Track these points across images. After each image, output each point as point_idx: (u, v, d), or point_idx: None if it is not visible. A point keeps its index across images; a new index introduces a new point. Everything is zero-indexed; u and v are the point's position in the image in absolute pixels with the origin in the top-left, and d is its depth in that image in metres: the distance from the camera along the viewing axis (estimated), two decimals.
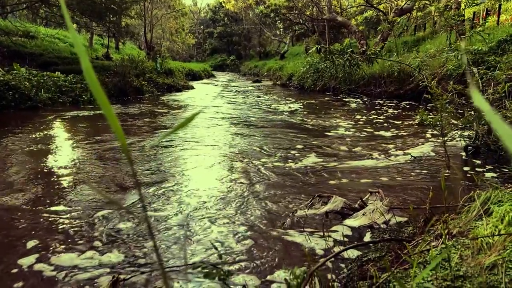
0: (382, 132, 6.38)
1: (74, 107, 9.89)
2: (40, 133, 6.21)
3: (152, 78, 15.57)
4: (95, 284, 1.94)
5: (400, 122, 7.47)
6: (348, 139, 5.86)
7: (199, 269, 1.32)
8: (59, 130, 6.65)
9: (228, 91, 15.78)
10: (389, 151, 4.99)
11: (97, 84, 0.39)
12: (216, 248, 2.27)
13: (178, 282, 1.93)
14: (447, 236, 1.46)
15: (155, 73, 16.60)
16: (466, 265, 1.23)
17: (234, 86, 19.24)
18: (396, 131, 6.44)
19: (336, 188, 3.58)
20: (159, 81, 15.86)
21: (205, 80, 24.71)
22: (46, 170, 4.07)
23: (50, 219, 2.79)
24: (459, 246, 1.34)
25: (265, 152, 4.93)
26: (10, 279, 1.98)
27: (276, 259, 2.23)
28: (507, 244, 1.22)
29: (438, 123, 3.77)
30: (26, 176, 3.85)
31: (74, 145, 5.37)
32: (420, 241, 1.71)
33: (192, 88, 17.76)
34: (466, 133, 5.60)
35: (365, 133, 6.30)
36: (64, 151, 4.99)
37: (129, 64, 14.04)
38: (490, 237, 1.28)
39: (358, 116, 8.30)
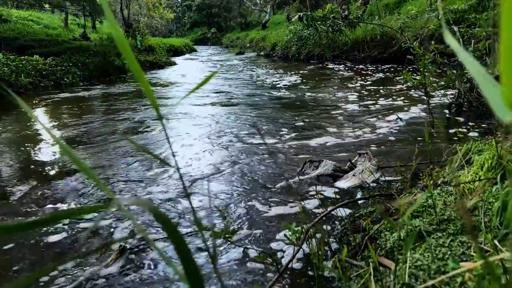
0: (369, 97, 6.47)
1: (57, 90, 9.72)
2: (26, 119, 6.14)
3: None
4: (104, 254, 2.02)
5: (386, 85, 7.57)
6: (338, 106, 5.94)
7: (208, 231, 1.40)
8: (44, 115, 6.58)
9: (212, 66, 15.61)
10: (377, 115, 5.09)
11: (129, 50, 0.44)
12: (220, 211, 2.36)
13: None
14: (433, 186, 1.56)
15: (136, 50, 16.28)
16: (450, 210, 1.34)
17: (218, 60, 19.01)
18: (383, 95, 6.54)
19: (327, 153, 3.68)
20: (141, 59, 15.58)
21: (187, 55, 24.31)
22: (37, 153, 4.08)
23: (47, 205, 2.84)
24: (443, 193, 1.45)
25: (252, 126, 4.98)
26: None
27: (273, 219, 2.34)
28: (486, 188, 1.32)
29: (421, 83, 3.86)
30: (17, 164, 3.86)
31: (63, 128, 5.34)
32: (408, 194, 1.82)
33: (175, 64, 17.50)
34: (449, 92, 5.73)
35: (354, 99, 6.39)
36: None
37: (109, 43, 13.73)
38: (471, 183, 1.39)
39: (345, 83, 8.36)
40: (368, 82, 8.13)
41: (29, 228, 0.40)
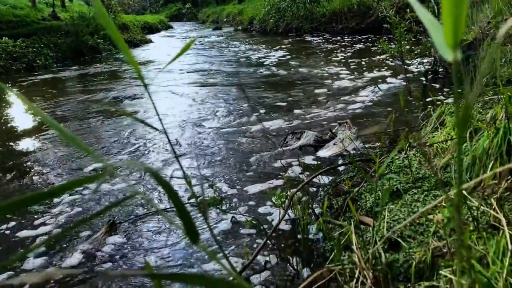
0: (348, 68, 6.53)
1: (29, 73, 9.43)
2: (4, 103, 5.98)
3: (107, 34, 14.83)
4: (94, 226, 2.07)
5: (364, 56, 7.63)
6: (319, 78, 5.99)
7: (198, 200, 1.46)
8: (29, 97, 6.41)
9: (186, 42, 15.29)
10: (356, 85, 5.17)
11: (112, 23, 0.47)
12: (208, 181, 2.42)
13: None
14: (408, 148, 1.65)
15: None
16: (424, 168, 1.42)
17: (195, 36, 18.64)
18: (361, 66, 6.61)
19: (308, 124, 3.75)
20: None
21: (163, 33, 23.72)
22: (16, 135, 4.02)
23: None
24: (418, 154, 1.53)
25: (234, 104, 5.00)
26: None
27: (260, 187, 2.41)
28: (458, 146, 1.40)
29: (398, 52, 3.93)
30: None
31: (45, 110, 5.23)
32: (386, 157, 1.91)
33: (151, 41, 17.09)
34: (425, 60, 5.83)
35: (334, 71, 6.44)
36: (29, 118, 4.88)
37: (81, 22, 13.27)
38: (444, 143, 1.47)
39: (325, 56, 8.38)
40: (347, 54, 8.17)
41: (33, 203, 0.42)
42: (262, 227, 1.77)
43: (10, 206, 0.39)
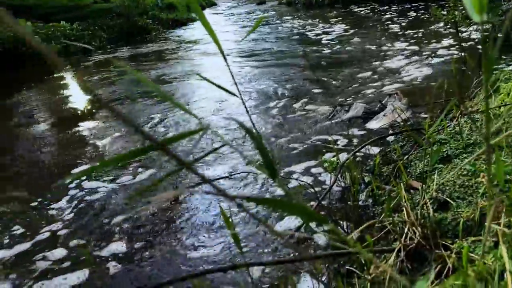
0: (399, 38, 6.33)
1: (86, 54, 9.98)
2: (64, 85, 6.45)
3: (155, 15, 15.22)
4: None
5: (416, 25, 7.33)
6: (369, 50, 5.88)
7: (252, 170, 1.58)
8: (86, 77, 6.86)
9: (236, 19, 15.36)
10: (407, 55, 5.03)
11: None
12: (266, 150, 2.55)
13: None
14: (460, 115, 1.66)
15: (157, 9, 16.17)
16: (475, 134, 1.45)
17: (240, 12, 18.60)
18: (413, 35, 6.38)
19: (357, 96, 3.75)
20: (163, 17, 15.50)
21: (207, 10, 23.86)
22: (79, 113, 4.37)
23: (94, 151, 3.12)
24: (470, 121, 1.55)
25: (281, 76, 5.06)
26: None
27: (310, 156, 2.52)
28: (511, 112, 1.41)
29: (452, 19, 3.77)
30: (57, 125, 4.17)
31: (99, 88, 5.60)
32: (437, 126, 1.93)
33: (196, 20, 17.25)
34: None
35: (384, 42, 6.27)
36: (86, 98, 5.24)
37: (130, 3, 13.69)
38: (497, 109, 1.48)
39: (373, 27, 8.13)
40: (397, 25, 7.87)
41: (144, 153, 0.55)
42: (314, 191, 1.88)
43: (128, 156, 0.51)
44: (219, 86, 0.73)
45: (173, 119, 3.76)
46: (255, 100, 4.10)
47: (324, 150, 2.63)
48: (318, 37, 7.63)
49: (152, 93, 4.89)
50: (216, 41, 0.65)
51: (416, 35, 6.34)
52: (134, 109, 4.35)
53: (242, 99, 0.72)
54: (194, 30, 13.27)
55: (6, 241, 2.06)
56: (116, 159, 0.38)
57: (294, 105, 3.71)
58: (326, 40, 7.16)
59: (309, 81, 4.52)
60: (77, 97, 5.41)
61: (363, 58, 5.28)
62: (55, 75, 7.50)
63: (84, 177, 2.63)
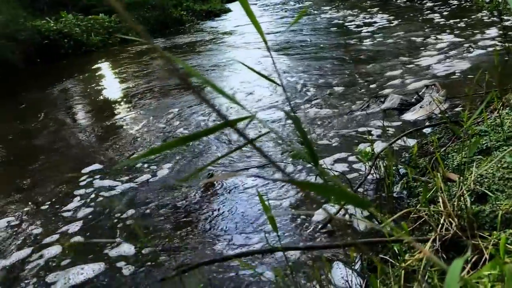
0: (438, 28, 6.13)
1: (123, 45, 10.27)
2: (103, 75, 6.70)
3: (189, 6, 15.40)
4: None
5: (456, 14, 7.05)
6: (406, 41, 5.74)
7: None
8: (118, 69, 7.09)
9: (271, 10, 15.28)
10: (447, 45, 4.88)
11: None
12: (309, 139, 2.58)
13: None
14: (502, 107, 1.62)
15: (191, 0, 16.35)
16: None
17: (274, 2, 18.45)
18: (454, 24, 6.15)
19: (394, 87, 3.69)
20: (196, 9, 15.66)
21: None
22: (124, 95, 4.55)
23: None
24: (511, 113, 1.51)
25: (320, 69, 5.03)
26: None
27: (344, 147, 2.53)
28: None
29: (495, 7, 3.61)
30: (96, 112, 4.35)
31: (137, 78, 5.78)
32: (476, 118, 1.88)
33: (230, 11, 17.36)
34: None
35: (423, 32, 6.09)
36: (124, 87, 5.43)
37: None
38: None
39: (411, 17, 7.90)
40: (437, 13, 7.60)
41: (193, 139, 0.59)
42: (348, 181, 1.89)
43: (197, 135, 0.56)
44: (262, 75, 0.77)
45: (203, 110, 3.84)
46: (289, 91, 4.11)
47: (358, 141, 2.63)
48: (359, 28, 7.36)
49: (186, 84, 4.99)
50: (260, 32, 0.68)
51: (458, 25, 6.11)
52: (169, 97, 4.47)
53: (284, 89, 0.76)
54: (227, 22, 13.33)
55: (36, 224, 2.21)
56: (182, 139, 0.42)
57: (328, 97, 3.70)
58: (367, 31, 6.91)
59: (346, 73, 4.48)
60: (112, 87, 5.62)
61: (403, 49, 5.15)
62: (92, 67, 7.79)
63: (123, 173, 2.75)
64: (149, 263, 1.70)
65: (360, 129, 2.82)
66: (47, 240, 2.02)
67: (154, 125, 3.63)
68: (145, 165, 2.74)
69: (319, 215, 1.81)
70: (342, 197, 0.53)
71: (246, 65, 0.83)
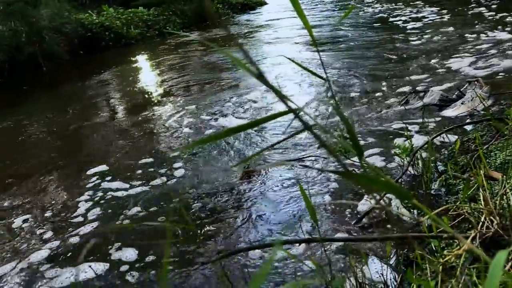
0: (481, 23, 5.88)
1: (161, 38, 10.50)
2: (140, 67, 6.91)
3: None
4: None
5: (505, 9, 6.73)
6: (455, 34, 5.56)
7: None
8: (156, 61, 7.27)
9: (307, 3, 15.11)
10: (493, 41, 4.68)
11: None
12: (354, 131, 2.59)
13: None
14: None
15: None
16: None
17: None
18: (501, 20, 5.89)
19: (434, 83, 3.60)
20: (232, 1, 15.73)
21: None
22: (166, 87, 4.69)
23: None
24: None
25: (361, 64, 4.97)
26: None
27: (382, 142, 2.51)
28: None
29: None
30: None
31: (171, 73, 5.92)
32: None
33: (265, 3, 17.30)
34: None
35: (476, 27, 5.87)
36: (160, 79, 5.57)
37: None
38: None
39: (459, 7, 7.60)
40: (487, 7, 7.27)
41: (239, 131, 0.63)
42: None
43: (256, 122, 0.59)
44: (309, 70, 0.79)
45: (238, 102, 3.90)
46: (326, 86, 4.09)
47: (394, 137, 2.59)
48: (405, 24, 6.93)
49: (220, 78, 5.08)
50: (308, 27, 0.71)
51: (507, 19, 5.83)
52: (204, 92, 4.57)
53: (329, 83, 0.78)
54: (262, 15, 13.33)
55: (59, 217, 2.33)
56: (248, 125, 0.46)
57: (366, 92, 3.65)
58: (413, 27, 6.53)
59: (387, 71, 4.39)
60: (148, 79, 5.79)
61: (449, 46, 4.95)
62: (130, 58, 8.03)
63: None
64: (192, 247, 1.77)
65: (398, 125, 2.78)
66: (111, 221, 2.15)
67: (193, 117, 3.73)
68: (183, 158, 2.83)
69: (363, 206, 1.82)
70: (385, 188, 0.55)
71: (291, 60, 0.85)
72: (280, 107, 3.60)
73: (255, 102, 3.84)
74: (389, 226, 1.76)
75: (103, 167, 2.85)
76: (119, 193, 2.44)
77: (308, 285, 1.14)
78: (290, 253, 1.34)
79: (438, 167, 2.10)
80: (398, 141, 2.40)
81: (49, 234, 2.11)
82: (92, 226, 2.12)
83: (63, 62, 7.95)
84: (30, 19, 7.61)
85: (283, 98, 0.44)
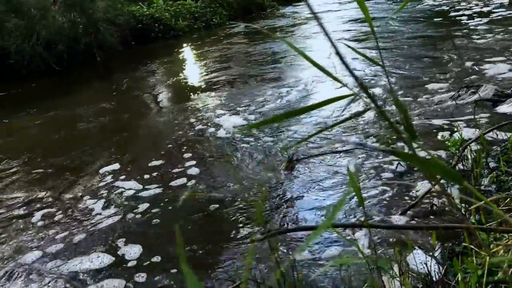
0: None
1: (207, 30, 10.70)
2: (187, 58, 7.10)
3: None
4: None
5: None
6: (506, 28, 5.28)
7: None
8: (202, 53, 7.44)
9: None
10: None
11: None
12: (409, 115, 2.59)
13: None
14: None
15: None
16: None
17: None
18: None
19: (489, 78, 3.46)
20: None
21: None
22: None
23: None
24: None
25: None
26: None
27: (432, 135, 2.48)
28: None
29: None
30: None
31: (217, 64, 6.05)
32: None
33: None
34: None
35: None
36: (205, 71, 5.70)
37: None
38: None
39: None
40: None
41: (308, 110, 0.68)
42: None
43: (330, 100, 0.64)
44: (365, 56, 0.83)
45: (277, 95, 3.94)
46: (373, 80, 4.03)
47: (443, 131, 2.54)
48: (468, 20, 6.27)
49: (263, 73, 5.13)
50: (369, 20, 0.75)
51: None
52: (247, 84, 4.65)
53: (384, 69, 0.81)
54: (302, 7, 13.17)
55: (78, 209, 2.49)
56: (308, 107, 0.51)
57: (418, 86, 3.57)
58: (478, 23, 5.90)
59: (443, 73, 4.26)
60: (193, 70, 5.96)
61: (494, 37, 4.72)
62: (178, 50, 8.26)
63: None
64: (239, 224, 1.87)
65: (449, 119, 2.72)
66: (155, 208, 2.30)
67: (236, 106, 3.82)
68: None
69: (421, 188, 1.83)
70: (437, 169, 0.58)
71: (351, 48, 0.89)
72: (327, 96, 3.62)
73: (300, 91, 3.88)
74: (435, 220, 1.75)
75: (158, 161, 2.96)
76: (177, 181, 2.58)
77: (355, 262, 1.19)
78: (338, 231, 1.38)
79: (489, 163, 2.04)
80: (450, 134, 2.36)
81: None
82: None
83: (116, 52, 8.34)
84: (88, 10, 8.02)
85: (356, 77, 0.49)
